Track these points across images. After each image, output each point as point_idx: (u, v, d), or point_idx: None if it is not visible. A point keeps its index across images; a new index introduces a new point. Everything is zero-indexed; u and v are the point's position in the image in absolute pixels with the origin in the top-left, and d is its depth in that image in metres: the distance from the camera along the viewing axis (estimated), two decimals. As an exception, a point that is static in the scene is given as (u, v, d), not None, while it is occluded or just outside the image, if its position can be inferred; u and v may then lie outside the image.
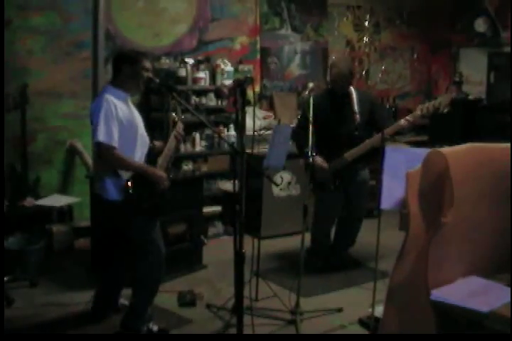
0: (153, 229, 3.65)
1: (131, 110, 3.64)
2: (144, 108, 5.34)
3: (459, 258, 3.06)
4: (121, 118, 3.49)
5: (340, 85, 4.59)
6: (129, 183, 3.47)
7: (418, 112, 4.35)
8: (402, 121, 4.44)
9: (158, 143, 3.82)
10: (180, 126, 3.81)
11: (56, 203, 5.05)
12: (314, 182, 4.70)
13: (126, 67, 3.56)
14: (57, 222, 5.27)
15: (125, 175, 3.50)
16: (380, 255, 3.92)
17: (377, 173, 3.87)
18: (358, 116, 4.57)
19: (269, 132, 5.58)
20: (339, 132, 4.64)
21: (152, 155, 3.71)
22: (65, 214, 5.35)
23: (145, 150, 3.67)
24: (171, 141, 3.75)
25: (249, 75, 4.73)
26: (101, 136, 3.39)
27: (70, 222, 5.36)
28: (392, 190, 3.41)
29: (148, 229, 3.63)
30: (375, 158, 4.27)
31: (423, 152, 3.05)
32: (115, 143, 3.42)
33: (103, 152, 3.44)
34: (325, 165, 4.62)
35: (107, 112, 3.43)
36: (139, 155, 3.61)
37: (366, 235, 4.86)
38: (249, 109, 4.09)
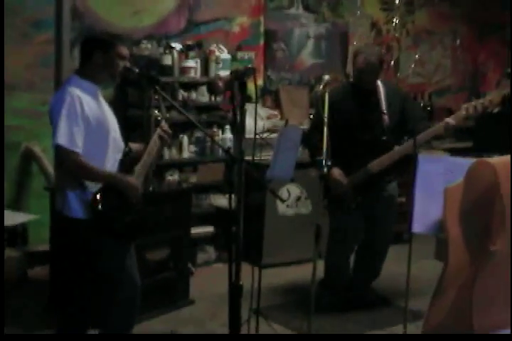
0: (126, 256, 3.64)
1: (102, 107, 3.64)
2: (119, 104, 5.34)
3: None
4: (89, 117, 3.48)
5: (367, 78, 4.59)
6: (98, 197, 3.46)
7: (463, 112, 4.33)
8: (442, 124, 4.43)
9: (135, 146, 3.82)
10: (165, 126, 3.81)
11: (7, 222, 5.03)
12: (329, 198, 4.69)
13: (97, 53, 3.56)
14: (7, 245, 5.25)
15: (92, 187, 3.50)
16: (412, 291, 3.91)
17: (407, 188, 3.86)
18: (386, 116, 4.57)
19: (274, 135, 5.58)
20: (362, 137, 4.64)
21: (127, 162, 3.71)
22: (17, 236, 5.34)
23: (118, 156, 3.67)
24: (153, 144, 3.74)
25: (250, 65, 4.74)
26: (61, 139, 3.39)
27: (23, 246, 5.35)
28: (427, 209, 3.41)
29: (121, 255, 3.62)
30: (405, 169, 4.27)
31: (466, 162, 3.05)
32: (78, 147, 3.42)
33: (63, 158, 3.44)
34: (343, 179, 4.61)
35: (70, 109, 3.43)
36: (111, 163, 3.61)
37: (394, 265, 4.84)
38: (249, 107, 4.09)
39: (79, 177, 3.50)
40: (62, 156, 3.44)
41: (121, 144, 3.71)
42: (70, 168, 3.46)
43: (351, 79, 4.81)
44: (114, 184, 3.53)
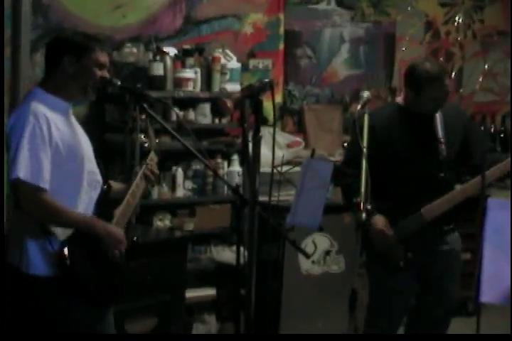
0: (100, 326, 3.66)
1: (75, 130, 3.68)
2: (93, 126, 5.38)
3: None
4: (58, 144, 3.51)
5: (439, 108, 4.65)
6: (66, 249, 3.48)
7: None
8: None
9: (116, 186, 3.84)
10: (153, 159, 3.83)
11: None
12: (370, 254, 4.69)
13: (68, 60, 3.60)
14: None
15: (60, 234, 3.51)
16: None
17: (474, 241, 3.86)
18: (443, 147, 4.59)
19: (296, 169, 5.59)
20: (413, 173, 4.66)
21: (105, 204, 3.73)
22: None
23: (95, 195, 3.70)
24: (138, 184, 3.77)
25: (266, 78, 4.78)
26: (22, 171, 3.41)
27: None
28: (500, 270, 3.40)
29: (93, 325, 3.63)
30: (470, 215, 4.27)
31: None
32: (44, 182, 3.44)
33: (24, 196, 3.45)
34: (389, 230, 4.61)
35: (34, 132, 3.45)
36: (84, 203, 3.64)
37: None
38: (265, 132, 4.11)
39: (43, 221, 3.51)
40: (23, 194, 3.44)
41: (99, 178, 3.73)
42: (33, 208, 3.47)
43: (401, 101, 4.82)
44: (90, 231, 3.55)
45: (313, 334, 3.87)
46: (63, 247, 3.48)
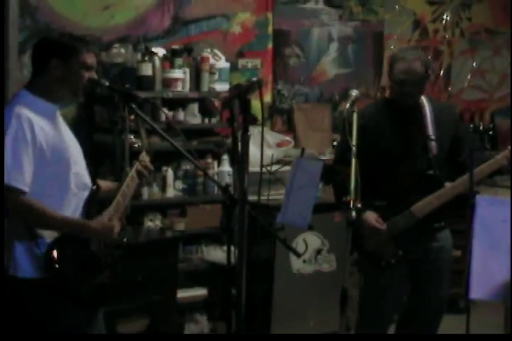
0: (90, 328, 3.65)
1: (62, 133, 3.67)
2: (82, 127, 5.38)
3: None
4: (43, 147, 3.50)
5: (409, 92, 4.62)
6: (54, 252, 3.47)
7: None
8: (505, 155, 4.46)
9: (105, 185, 3.85)
10: (145, 158, 3.83)
11: None
12: (361, 252, 4.70)
13: (54, 62, 3.59)
14: None
15: (47, 236, 3.51)
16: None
17: (464, 238, 3.87)
18: (433, 143, 4.60)
19: (286, 168, 5.60)
20: (403, 170, 4.67)
21: (94, 204, 3.73)
22: None
23: (83, 196, 3.69)
24: (130, 182, 3.76)
25: (255, 77, 4.78)
26: (7, 174, 3.41)
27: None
28: (489, 267, 3.41)
29: (83, 327, 3.63)
30: (460, 213, 4.28)
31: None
32: (25, 185, 3.44)
33: (8, 200, 3.44)
34: (381, 226, 4.62)
35: (18, 135, 3.44)
36: (72, 205, 3.63)
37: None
38: (254, 131, 4.11)
39: (29, 223, 3.50)
40: (6, 197, 3.43)
41: (87, 181, 3.72)
42: (15, 211, 3.47)
43: (387, 95, 4.84)
44: (78, 232, 3.55)
45: (307, 334, 3.87)
46: (51, 249, 3.48)
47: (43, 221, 3.50)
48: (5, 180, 3.39)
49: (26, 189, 3.43)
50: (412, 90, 4.62)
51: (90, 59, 3.65)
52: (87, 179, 3.73)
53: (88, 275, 3.58)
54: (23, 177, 3.43)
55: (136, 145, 3.94)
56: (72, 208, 3.62)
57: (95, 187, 3.78)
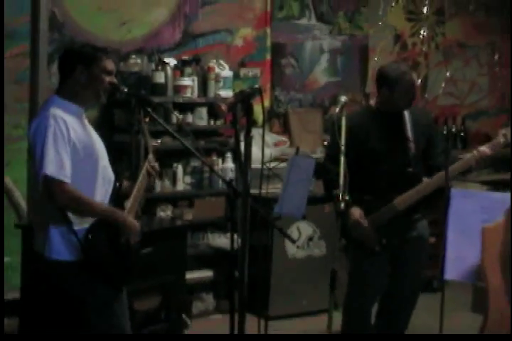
0: (116, 306, 3.65)
1: (88, 131, 3.68)
2: (104, 128, 5.38)
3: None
4: (76, 144, 3.51)
5: (407, 105, 4.65)
6: (89, 236, 3.48)
7: (501, 140, 4.38)
8: (477, 153, 4.46)
9: (127, 184, 3.85)
10: (152, 159, 3.84)
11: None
12: (349, 239, 4.69)
13: (79, 69, 3.59)
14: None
15: (79, 223, 3.51)
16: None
17: (439, 227, 3.87)
18: (412, 144, 4.59)
19: (282, 165, 5.60)
20: (386, 168, 4.65)
21: (117, 199, 3.73)
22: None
23: (109, 188, 3.70)
24: (141, 181, 3.77)
25: (256, 84, 4.79)
26: (49, 168, 3.40)
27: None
28: (462, 252, 3.41)
29: (111, 304, 3.62)
30: (436, 204, 4.27)
31: (506, 197, 3.05)
32: (68, 177, 3.44)
33: (52, 190, 3.44)
34: (363, 221, 4.61)
35: (57, 134, 3.45)
36: (100, 195, 3.63)
37: (424, 317, 4.85)
38: (255, 132, 4.11)
39: (67, 210, 3.50)
40: (51, 188, 3.44)
41: (111, 174, 3.73)
42: (60, 200, 3.46)
43: (372, 101, 4.84)
44: (111, 220, 3.55)
45: (306, 334, 3.85)
46: (86, 234, 3.48)
47: (85, 208, 3.50)
48: (49, 173, 3.40)
49: (68, 180, 3.44)
50: (413, 99, 4.67)
51: (110, 65, 3.66)
52: (111, 173, 3.73)
53: (116, 258, 3.58)
54: (64, 170, 3.43)
55: (147, 146, 3.91)
56: (100, 198, 3.63)
57: (119, 184, 3.78)
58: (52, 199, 3.47)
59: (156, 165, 3.89)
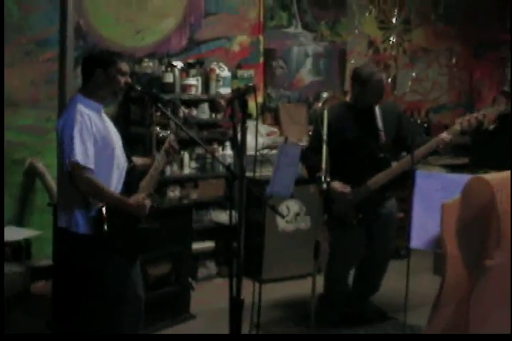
0: (131, 272, 3.66)
1: (107, 125, 3.67)
2: (121, 121, 5.37)
3: (507, 309, 3.05)
4: (96, 135, 3.52)
5: (376, 101, 4.65)
6: (104, 214, 3.48)
7: (457, 127, 4.40)
8: (438, 140, 4.47)
9: (142, 161, 3.85)
10: (172, 139, 3.82)
11: (10, 237, 5.04)
12: (330, 215, 4.71)
13: (98, 72, 3.59)
14: (10, 260, 5.25)
15: (97, 203, 3.51)
16: (411, 305, 3.92)
17: (406, 204, 3.88)
18: (382, 134, 4.60)
19: (273, 152, 5.60)
20: (360, 154, 4.66)
21: (132, 178, 3.72)
22: (21, 250, 5.34)
23: (123, 172, 3.69)
24: (160, 159, 3.76)
25: (250, 83, 4.78)
26: (77, 156, 3.41)
27: (26, 261, 5.35)
28: (425, 225, 3.42)
29: (125, 271, 3.63)
30: (403, 185, 4.28)
31: (463, 179, 3.06)
32: (92, 164, 3.45)
33: (78, 175, 3.45)
34: (346, 189, 4.61)
35: (82, 126, 3.46)
36: (115, 180, 3.64)
37: (393, 280, 4.84)
38: (250, 124, 4.11)
39: (87, 194, 3.51)
40: (77, 173, 3.44)
41: (124, 162, 3.72)
42: (83, 185, 3.47)
43: (349, 98, 4.83)
44: (118, 206, 3.54)
45: (306, 334, 3.85)
46: (101, 213, 3.48)
47: (101, 195, 3.50)
48: (78, 161, 3.40)
49: (92, 166, 3.44)
50: (381, 96, 4.68)
51: (124, 67, 3.66)
52: (124, 160, 3.72)
53: (127, 234, 3.58)
54: (89, 158, 3.44)
55: (161, 135, 3.89)
56: (115, 182, 3.63)
57: (132, 164, 3.78)
58: (76, 183, 3.48)
59: (176, 144, 3.85)
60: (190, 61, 6.01)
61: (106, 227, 3.48)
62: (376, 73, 4.62)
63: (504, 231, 2.90)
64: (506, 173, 3.06)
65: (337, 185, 4.59)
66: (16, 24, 5.38)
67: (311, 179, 4.74)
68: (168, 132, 3.88)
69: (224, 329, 3.60)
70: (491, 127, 6.23)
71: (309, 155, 4.67)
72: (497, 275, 2.94)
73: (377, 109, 4.68)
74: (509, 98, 7.61)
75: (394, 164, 4.61)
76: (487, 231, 2.92)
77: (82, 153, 3.42)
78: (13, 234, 5.11)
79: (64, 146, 3.48)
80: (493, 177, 2.97)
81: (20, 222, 5.50)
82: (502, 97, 7.41)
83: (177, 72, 5.82)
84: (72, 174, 3.47)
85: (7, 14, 5.32)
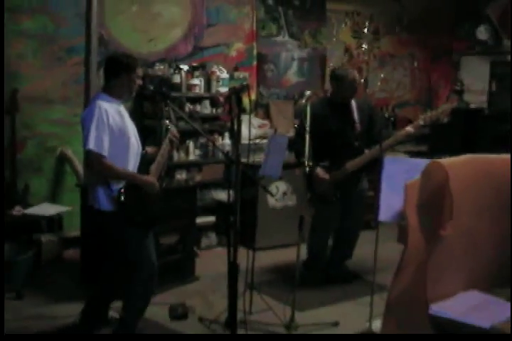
0: (146, 242, 3.66)
1: (124, 118, 3.65)
2: (137, 115, 5.35)
3: (458, 272, 3.08)
4: (113, 127, 3.50)
5: (350, 96, 4.64)
6: (122, 193, 3.48)
7: (420, 122, 4.42)
8: (403, 132, 4.49)
9: (150, 150, 3.84)
10: (174, 130, 3.83)
11: (45, 212, 5.05)
12: (313, 193, 4.72)
13: (123, 75, 3.57)
14: (46, 231, 5.27)
15: (116, 184, 3.51)
16: (378, 268, 3.94)
17: (375, 184, 3.89)
18: (358, 125, 4.61)
19: (264, 141, 5.60)
20: (338, 142, 4.67)
21: (145, 163, 3.72)
22: (54, 223, 5.35)
23: (138, 158, 3.68)
24: (165, 147, 3.76)
25: (245, 83, 4.77)
26: (91, 144, 3.41)
27: (59, 232, 5.36)
28: (391, 201, 3.43)
29: (141, 241, 3.63)
30: (374, 168, 4.30)
31: (422, 162, 3.07)
32: (104, 151, 3.44)
33: (93, 160, 3.45)
34: (326, 176, 4.63)
35: (99, 119, 3.45)
36: (132, 163, 3.63)
37: (364, 247, 4.85)
38: (244, 118, 4.11)
39: (104, 176, 3.51)
40: (92, 159, 3.45)
41: (139, 148, 3.71)
42: (98, 168, 3.47)
43: (329, 94, 4.83)
44: (133, 182, 3.54)
45: (305, 334, 3.85)
46: (120, 192, 3.49)
47: (115, 175, 3.50)
48: (92, 149, 3.40)
49: (105, 153, 3.43)
50: (351, 95, 4.67)
51: (139, 71, 3.66)
52: (139, 148, 3.71)
53: (142, 209, 3.58)
54: (103, 146, 3.43)
55: (169, 127, 3.88)
56: (132, 165, 3.62)
57: (144, 151, 3.78)
58: (91, 167, 3.49)
59: (177, 133, 3.84)
60: (195, 64, 5.98)
61: (124, 203, 3.47)
62: (350, 73, 4.63)
63: (456, 206, 2.92)
64: (458, 158, 3.08)
65: (319, 171, 4.61)
66: (50, 35, 5.38)
67: (298, 163, 4.74)
68: (170, 124, 3.86)
69: (223, 289, 3.63)
70: (446, 120, 6.25)
71: (296, 144, 4.67)
72: (450, 243, 2.96)
73: (353, 104, 4.69)
74: (460, 96, 7.67)
75: (367, 152, 4.61)
76: (442, 206, 2.93)
77: (97, 141, 3.41)
78: (47, 209, 5.12)
79: (84, 136, 3.48)
80: (447, 161, 2.98)
81: (53, 199, 5.51)
82: (454, 95, 7.46)
83: (183, 73, 5.80)
84: (87, 159, 3.49)
85: (43, 27, 5.34)
